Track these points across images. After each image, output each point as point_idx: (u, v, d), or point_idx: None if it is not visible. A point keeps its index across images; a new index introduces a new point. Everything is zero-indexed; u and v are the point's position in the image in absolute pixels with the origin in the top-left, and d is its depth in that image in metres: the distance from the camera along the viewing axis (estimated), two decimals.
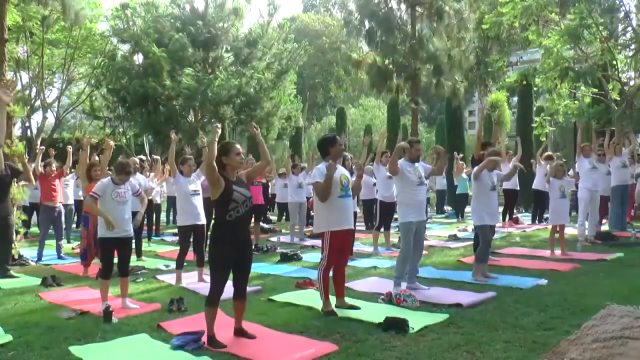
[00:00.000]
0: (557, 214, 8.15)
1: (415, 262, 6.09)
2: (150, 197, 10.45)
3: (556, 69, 14.00)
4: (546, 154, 11.91)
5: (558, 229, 8.13)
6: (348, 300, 5.31)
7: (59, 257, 9.00)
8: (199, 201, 6.81)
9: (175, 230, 10.22)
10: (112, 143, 7.21)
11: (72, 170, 11.41)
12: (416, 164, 6.06)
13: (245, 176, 4.43)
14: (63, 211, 9.44)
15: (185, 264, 6.95)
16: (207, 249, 6.79)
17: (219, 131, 4.37)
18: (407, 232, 5.90)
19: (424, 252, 8.55)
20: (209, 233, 5.88)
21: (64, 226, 9.72)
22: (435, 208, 18.49)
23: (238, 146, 4.30)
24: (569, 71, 14.12)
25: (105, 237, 5.42)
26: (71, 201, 11.32)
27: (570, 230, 10.20)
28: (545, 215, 13.28)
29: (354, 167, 8.35)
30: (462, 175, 13.68)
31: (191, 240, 6.93)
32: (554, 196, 8.16)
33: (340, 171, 5.23)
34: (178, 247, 7.11)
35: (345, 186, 5.16)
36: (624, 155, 10.68)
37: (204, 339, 4.16)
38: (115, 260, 5.57)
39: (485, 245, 6.50)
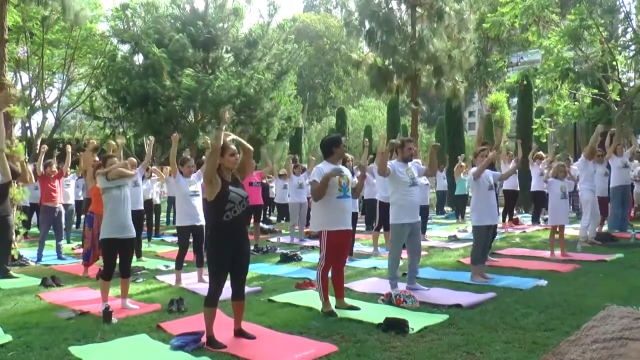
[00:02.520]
0: (557, 214, 8.11)
1: (414, 263, 6.07)
2: (150, 198, 10.46)
3: (556, 69, 14.01)
4: (537, 153, 12.08)
5: (558, 229, 8.12)
6: (348, 300, 5.31)
7: (59, 258, 9.00)
8: (198, 202, 6.81)
9: (175, 231, 10.19)
10: (115, 143, 7.27)
11: (73, 170, 11.41)
12: (409, 164, 6.02)
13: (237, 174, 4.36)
14: (63, 212, 9.45)
15: (184, 264, 6.95)
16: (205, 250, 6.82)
17: (228, 119, 4.32)
18: (398, 233, 5.87)
19: (424, 252, 8.61)
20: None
21: (64, 226, 9.73)
22: (435, 209, 18.49)
23: (233, 147, 4.27)
24: (569, 72, 14.14)
25: (108, 238, 5.42)
26: (72, 201, 11.32)
27: (570, 231, 10.22)
28: (545, 216, 13.31)
29: (355, 167, 8.36)
30: (461, 176, 13.70)
31: (190, 240, 6.93)
32: (554, 196, 8.13)
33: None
34: (178, 248, 7.11)
35: (344, 187, 5.15)
36: (625, 155, 10.69)
37: (204, 339, 4.15)
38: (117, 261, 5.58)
39: (477, 247, 6.50)
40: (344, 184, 5.14)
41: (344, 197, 5.14)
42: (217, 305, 4.23)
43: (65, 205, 10.07)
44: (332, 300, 5.16)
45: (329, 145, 5.21)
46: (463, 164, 13.21)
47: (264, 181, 14.29)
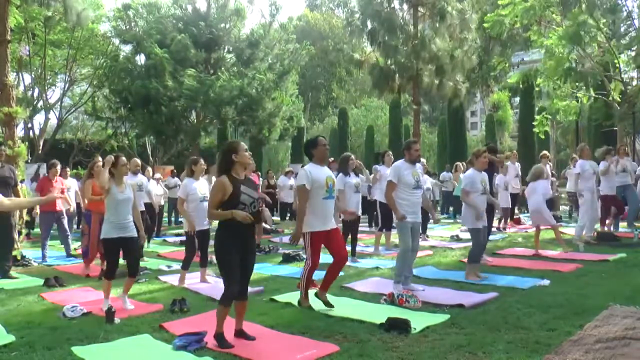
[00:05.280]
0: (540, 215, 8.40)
1: (410, 264, 6.05)
2: (151, 201, 10.44)
3: (558, 69, 13.98)
4: (542, 152, 12.24)
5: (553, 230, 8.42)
6: (345, 299, 5.38)
7: (69, 256, 9.00)
8: (205, 207, 6.75)
9: (176, 231, 10.19)
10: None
11: (75, 170, 11.40)
12: (417, 165, 6.02)
13: None
14: (64, 213, 9.43)
15: None
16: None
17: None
18: (404, 229, 5.87)
19: (428, 252, 8.60)
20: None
21: (66, 227, 9.72)
22: (440, 209, 18.50)
23: (244, 144, 4.32)
24: (570, 72, 14.11)
25: (107, 238, 5.42)
26: (73, 204, 11.30)
27: (570, 230, 10.19)
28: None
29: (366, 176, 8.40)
30: (460, 178, 13.74)
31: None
32: (536, 198, 8.41)
33: (326, 173, 5.28)
34: (180, 248, 7.10)
35: (330, 188, 5.23)
36: (627, 160, 10.71)
37: (209, 338, 4.13)
38: (122, 261, 5.58)
39: (477, 247, 6.54)
40: (329, 185, 5.22)
41: (329, 198, 5.23)
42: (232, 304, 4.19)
43: (67, 210, 10.05)
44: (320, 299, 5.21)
45: (307, 148, 5.38)
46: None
47: (272, 182, 14.47)
